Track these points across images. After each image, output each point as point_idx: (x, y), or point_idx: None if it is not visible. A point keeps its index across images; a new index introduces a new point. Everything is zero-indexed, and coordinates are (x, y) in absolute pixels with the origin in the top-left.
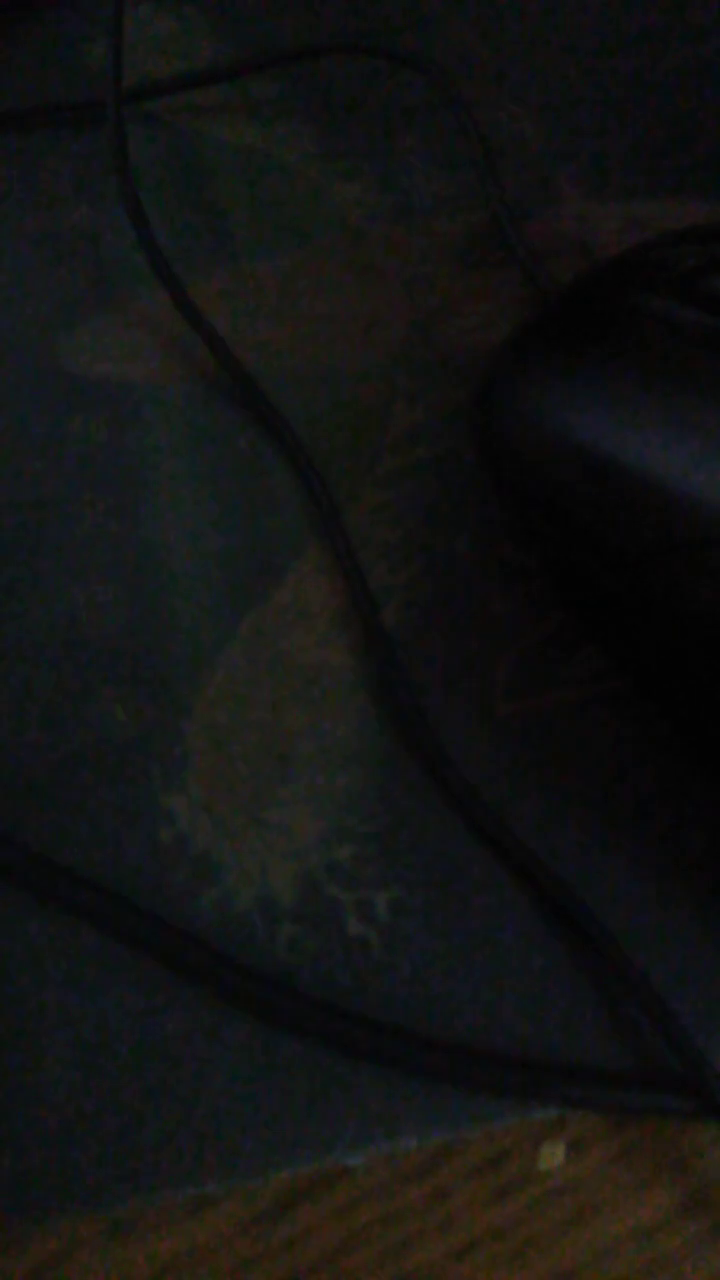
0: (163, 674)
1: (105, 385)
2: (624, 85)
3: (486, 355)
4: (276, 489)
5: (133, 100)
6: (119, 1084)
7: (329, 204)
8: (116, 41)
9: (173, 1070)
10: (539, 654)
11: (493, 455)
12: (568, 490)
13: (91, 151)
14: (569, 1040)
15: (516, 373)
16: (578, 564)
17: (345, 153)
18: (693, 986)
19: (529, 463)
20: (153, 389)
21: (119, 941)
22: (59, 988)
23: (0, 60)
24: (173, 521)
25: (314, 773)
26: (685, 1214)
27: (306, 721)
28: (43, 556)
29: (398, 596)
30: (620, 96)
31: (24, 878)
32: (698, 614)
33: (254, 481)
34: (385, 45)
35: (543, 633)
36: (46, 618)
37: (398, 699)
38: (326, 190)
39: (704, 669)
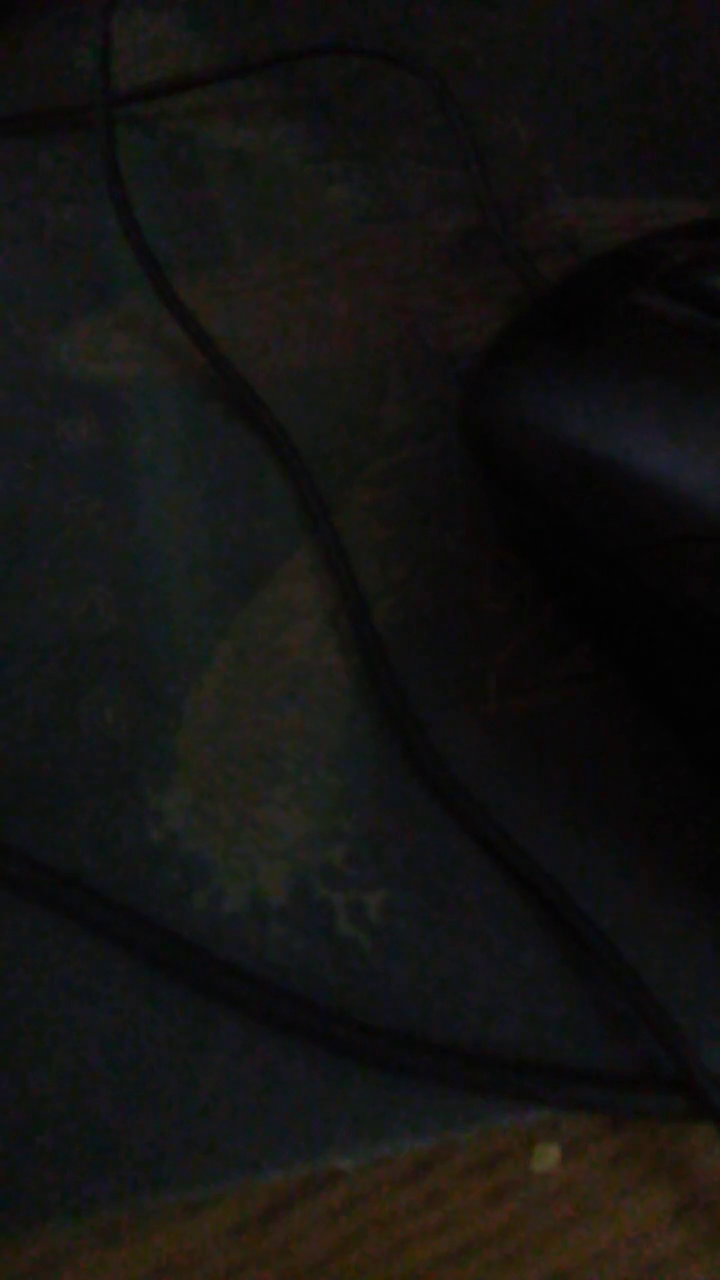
0: (153, 674)
1: (96, 386)
2: (614, 85)
3: (476, 352)
4: (267, 489)
5: (123, 103)
6: (109, 1087)
7: (320, 205)
8: (104, 45)
9: (162, 1072)
10: (530, 652)
11: (481, 451)
12: (556, 486)
13: (82, 155)
14: (563, 1041)
15: (505, 369)
16: (567, 560)
17: (336, 153)
18: (687, 986)
19: (517, 458)
20: (143, 390)
21: (108, 943)
22: (48, 990)
23: None
24: (163, 522)
25: (304, 772)
26: (681, 1217)
27: (297, 721)
28: (32, 557)
29: (388, 596)
30: (610, 96)
31: (13, 879)
32: (687, 609)
33: (244, 482)
34: (376, 46)
35: (534, 630)
36: (36, 619)
37: (388, 698)
38: (318, 191)
39: (694, 664)
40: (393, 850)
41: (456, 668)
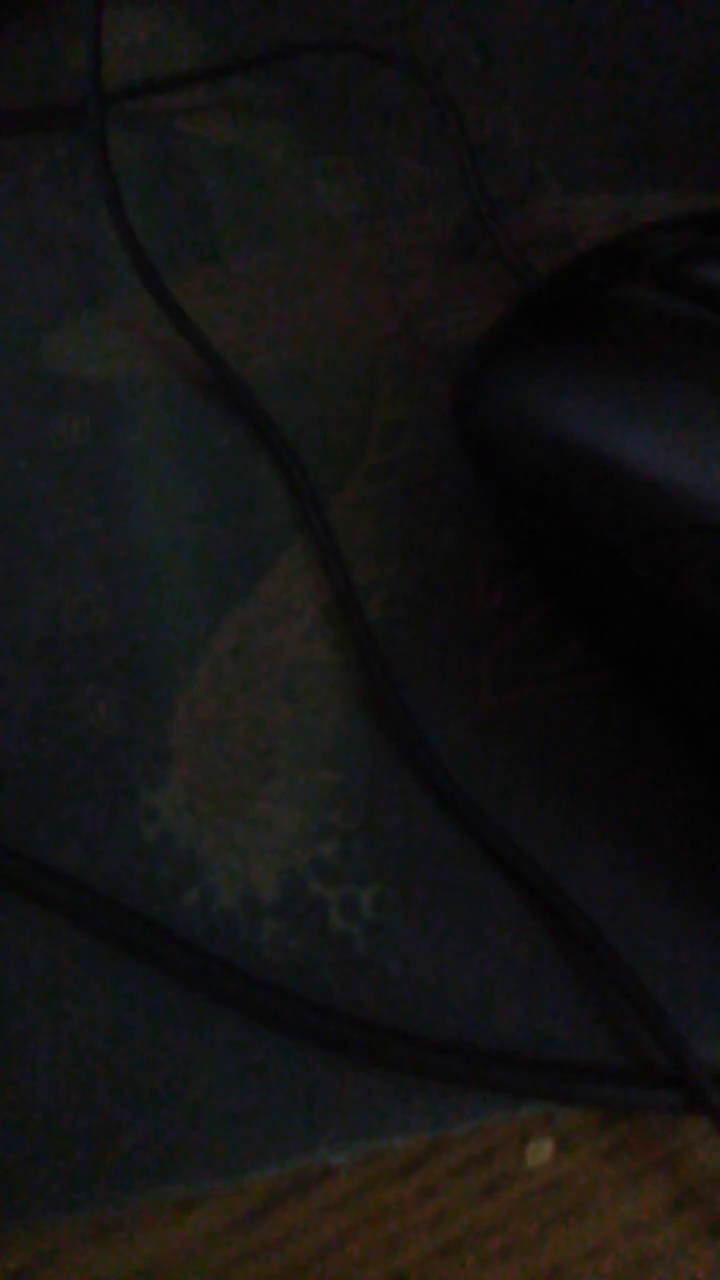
0: (146, 671)
1: (88, 384)
2: (606, 80)
3: (469, 347)
4: (260, 485)
5: (115, 101)
6: (102, 1084)
7: (312, 201)
8: (95, 43)
9: (155, 1069)
10: (524, 647)
11: (475, 445)
12: (550, 479)
13: (74, 153)
14: (556, 1036)
15: (498, 363)
16: (562, 554)
17: (328, 150)
18: (679, 980)
19: (511, 452)
20: (136, 388)
21: (101, 940)
22: (41, 987)
23: None
24: (156, 519)
25: (298, 768)
26: (674, 1210)
27: (290, 717)
28: (25, 555)
29: (382, 591)
30: (602, 91)
31: (5, 876)
32: (681, 601)
33: (238, 478)
34: (366, 42)
35: (527, 626)
36: (29, 616)
37: (382, 694)
38: (309, 188)
39: (689, 658)
40: (386, 845)
41: (450, 663)
